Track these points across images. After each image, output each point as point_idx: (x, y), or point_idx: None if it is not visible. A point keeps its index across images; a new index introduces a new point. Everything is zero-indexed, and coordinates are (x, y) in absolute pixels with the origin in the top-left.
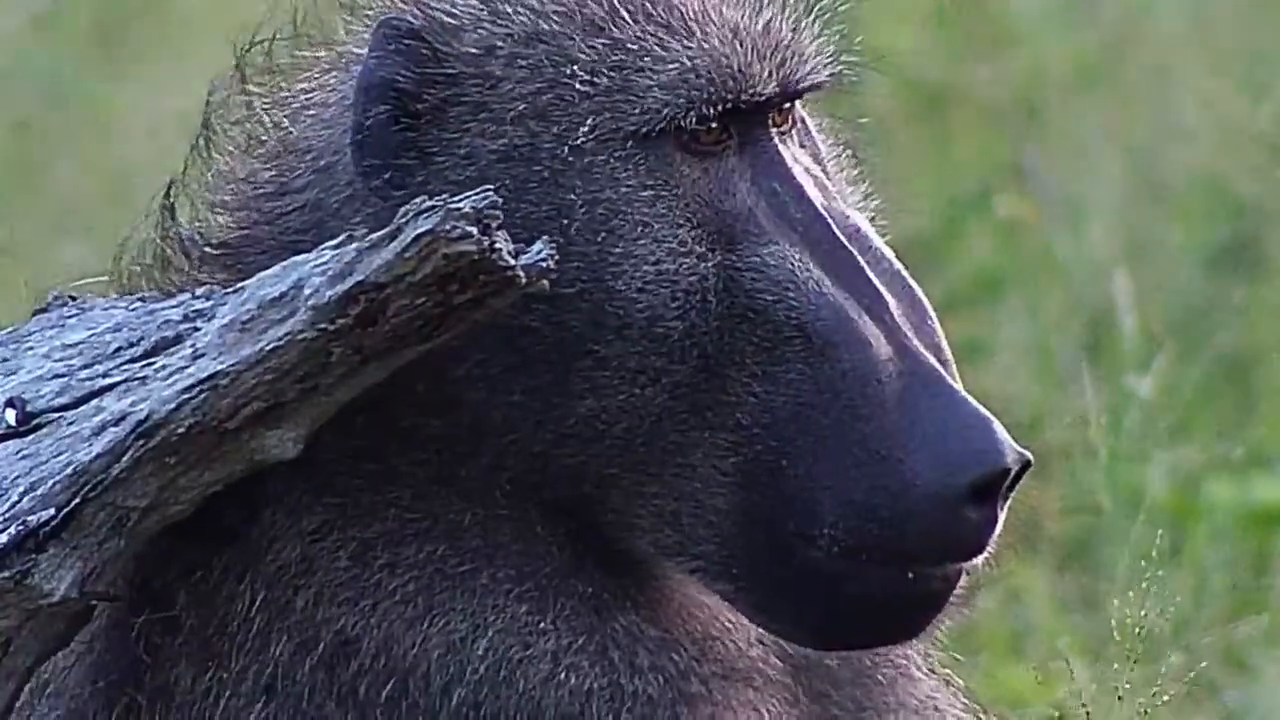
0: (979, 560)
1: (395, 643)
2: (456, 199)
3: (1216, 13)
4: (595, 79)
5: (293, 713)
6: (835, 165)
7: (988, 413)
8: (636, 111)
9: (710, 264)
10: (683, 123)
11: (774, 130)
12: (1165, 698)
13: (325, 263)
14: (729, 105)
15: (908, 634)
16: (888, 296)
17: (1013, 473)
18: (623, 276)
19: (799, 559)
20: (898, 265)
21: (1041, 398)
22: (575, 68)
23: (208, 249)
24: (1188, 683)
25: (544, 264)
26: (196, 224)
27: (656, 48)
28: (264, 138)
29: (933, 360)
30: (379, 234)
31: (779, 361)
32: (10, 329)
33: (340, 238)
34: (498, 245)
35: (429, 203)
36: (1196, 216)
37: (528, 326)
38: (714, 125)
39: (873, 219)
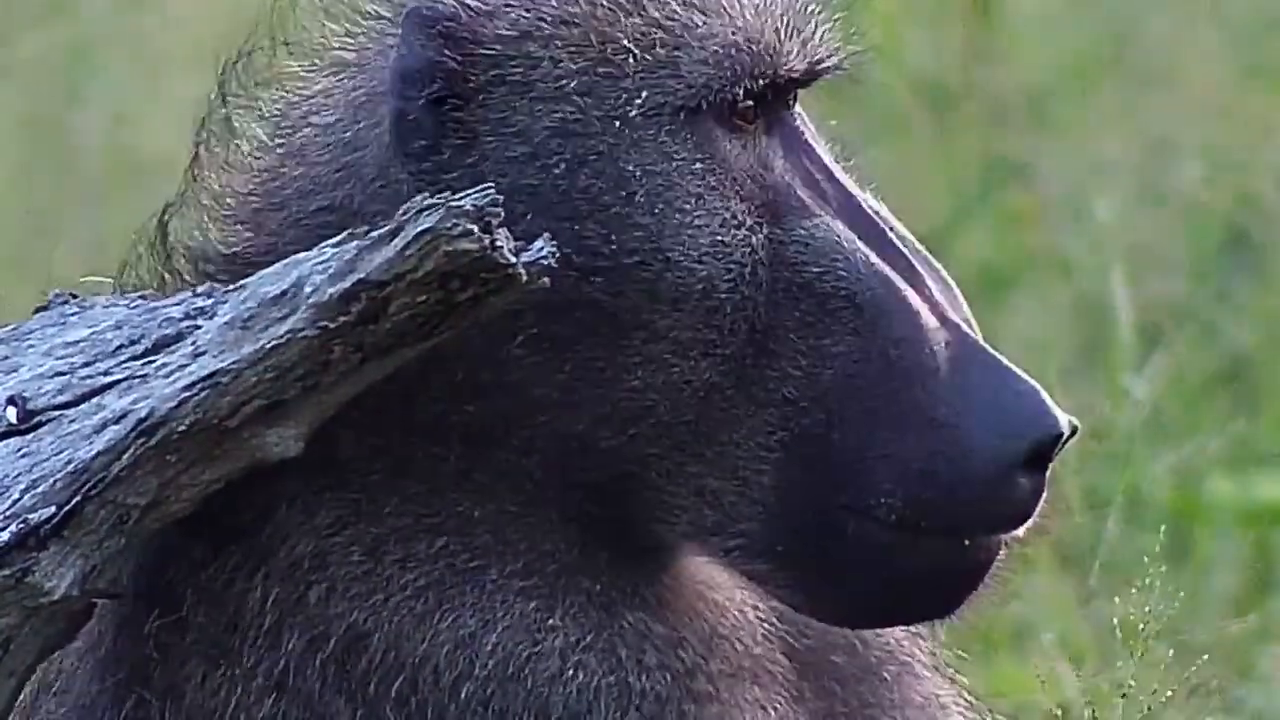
0: (1021, 531)
1: (405, 638)
2: (457, 196)
3: (1220, 11)
4: (639, 55)
5: (303, 708)
6: (836, 150)
7: (1035, 383)
8: (682, 86)
9: (760, 236)
10: (726, 96)
11: (791, 110)
12: (1168, 693)
13: (326, 260)
14: (766, 81)
15: (949, 608)
16: (922, 270)
17: (1064, 440)
18: (680, 247)
19: (852, 532)
20: (919, 245)
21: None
22: (617, 45)
23: (210, 263)
24: (1190, 681)
25: (545, 261)
26: (196, 238)
27: (694, 24)
28: (261, 149)
29: (973, 334)
30: (380, 231)
31: (826, 334)
32: (11, 326)
33: (340, 235)
34: (499, 243)
35: (430, 200)
36: (1199, 214)
37: (587, 298)
38: (749, 102)
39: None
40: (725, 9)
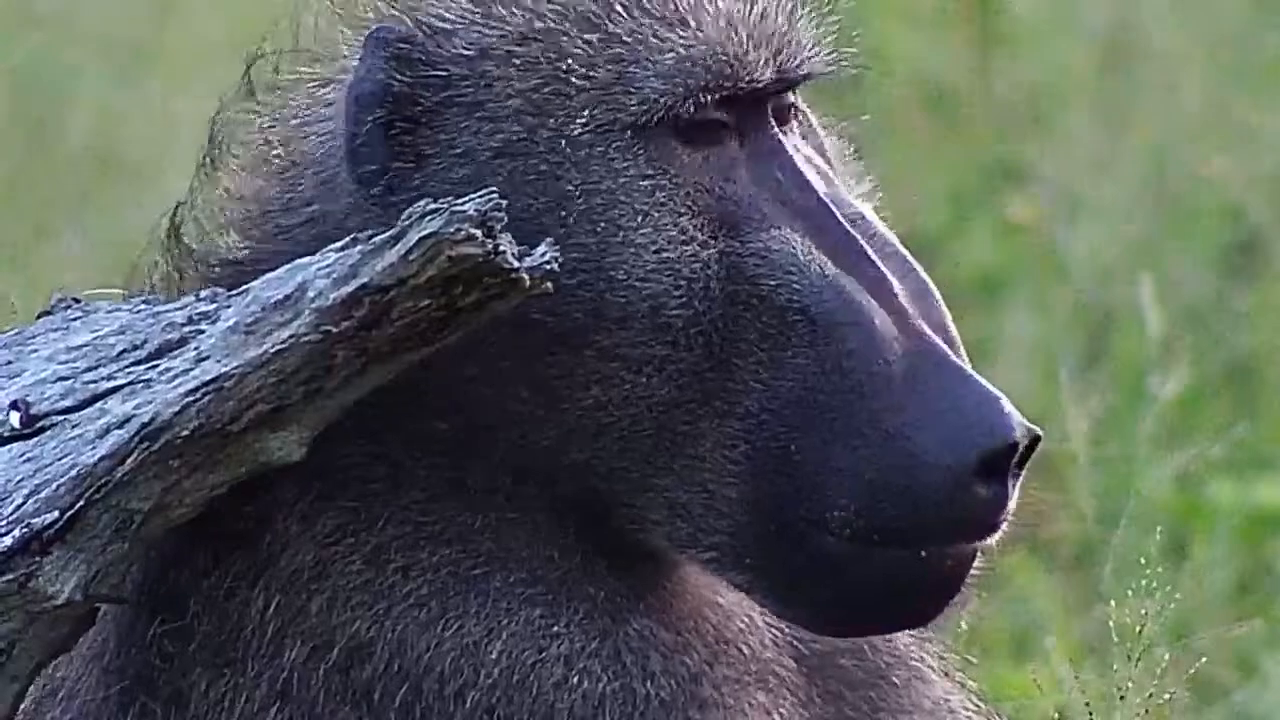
0: (991, 541)
1: (409, 647)
2: (460, 201)
3: (1222, 14)
4: (591, 72)
5: (307, 717)
6: (839, 159)
7: (995, 389)
8: (634, 103)
9: (712, 251)
10: (680, 112)
11: (773, 120)
12: (1166, 695)
13: (329, 265)
14: (726, 94)
15: (921, 619)
16: (892, 279)
17: (1021, 449)
18: (623, 265)
19: (810, 546)
20: (902, 250)
21: (1045, 398)
22: (570, 62)
23: (216, 268)
24: (1190, 684)
25: (548, 266)
26: (204, 243)
27: (652, 39)
28: (268, 155)
29: (939, 342)
30: (383, 236)
31: (785, 347)
32: (14, 331)
33: (344, 240)
34: (502, 248)
35: (433, 205)
36: (1201, 218)
37: (531, 320)
38: (713, 114)
39: (878, 211)
40: (689, 21)
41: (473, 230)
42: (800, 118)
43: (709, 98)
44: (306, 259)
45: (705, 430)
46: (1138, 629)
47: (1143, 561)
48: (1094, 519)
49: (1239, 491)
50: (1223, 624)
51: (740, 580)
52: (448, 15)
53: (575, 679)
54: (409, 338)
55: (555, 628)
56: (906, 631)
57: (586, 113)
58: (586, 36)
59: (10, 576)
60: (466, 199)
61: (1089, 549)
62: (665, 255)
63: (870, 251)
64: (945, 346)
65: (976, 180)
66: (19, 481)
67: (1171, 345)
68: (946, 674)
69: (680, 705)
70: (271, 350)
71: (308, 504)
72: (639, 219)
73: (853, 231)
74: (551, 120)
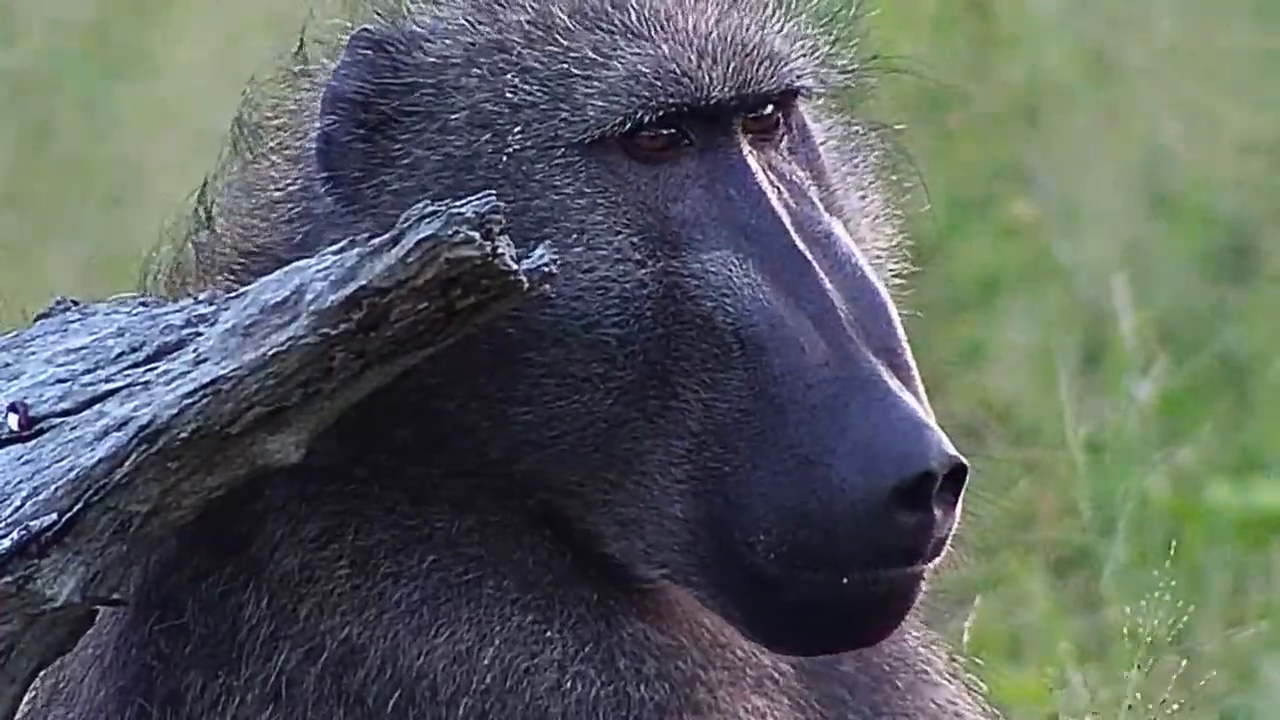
0: (931, 565)
1: (401, 653)
2: (459, 203)
3: (1215, 18)
4: (540, 88)
5: (300, 718)
6: (842, 170)
7: (923, 415)
8: (577, 120)
9: (649, 271)
10: (627, 127)
11: (744, 135)
12: (1164, 698)
13: (327, 268)
14: (675, 110)
15: (860, 640)
16: (838, 301)
17: (940, 477)
18: (557, 283)
19: (746, 566)
20: (863, 270)
21: (1041, 400)
22: (522, 77)
23: (220, 256)
24: (1191, 688)
25: (546, 268)
26: (228, 223)
27: (603, 55)
28: (273, 147)
29: (875, 364)
30: (381, 239)
31: (723, 368)
32: (13, 333)
33: (342, 242)
34: (500, 250)
35: (431, 207)
36: (1195, 221)
37: (470, 335)
38: (664, 131)
39: (881, 223)
40: (642, 37)
41: (471, 233)
42: (794, 132)
43: (654, 115)
44: (304, 261)
45: (651, 449)
46: (1141, 633)
47: (1143, 565)
48: (1091, 521)
49: (1236, 494)
50: (1222, 627)
51: (699, 596)
52: (427, 22)
53: (568, 684)
54: (407, 340)
55: (548, 632)
56: (914, 633)
57: (528, 129)
58: (538, 52)
59: (9, 578)
60: (465, 201)
61: (1085, 551)
62: (600, 274)
63: (821, 273)
64: (880, 372)
65: (974, 184)
66: (17, 484)
67: (1152, 347)
68: (955, 676)
69: (674, 709)
70: (270, 352)
71: (294, 507)
72: (574, 237)
73: (805, 253)
74: (494, 135)
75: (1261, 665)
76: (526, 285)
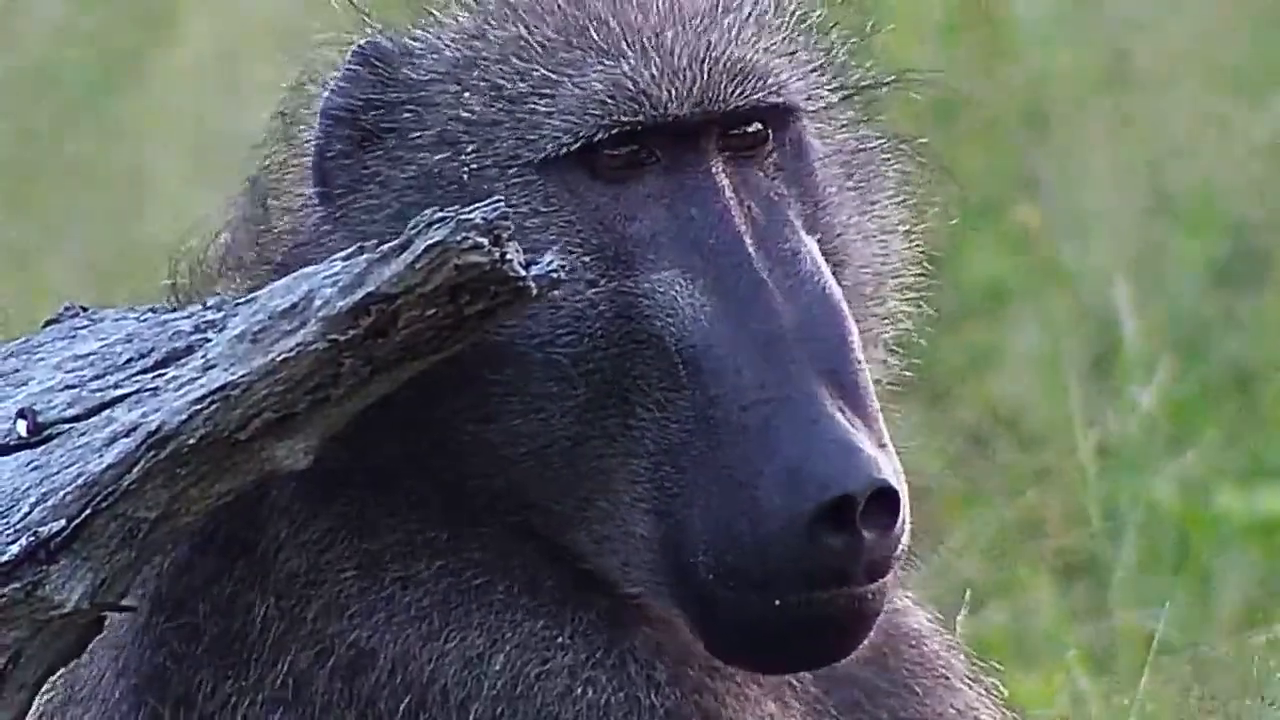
0: (875, 586)
1: (412, 658)
2: (467, 209)
3: (1220, 25)
4: (504, 106)
5: None
6: (844, 186)
7: (854, 438)
8: (534, 138)
9: (600, 291)
10: (576, 148)
11: (720, 152)
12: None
13: (336, 274)
14: (632, 128)
15: (813, 660)
16: (788, 322)
17: (861, 500)
18: None
19: (692, 586)
20: (825, 290)
21: (1049, 406)
22: (489, 95)
23: (232, 259)
24: (1198, 694)
25: (555, 275)
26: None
27: (565, 74)
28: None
29: (813, 387)
30: (390, 245)
31: (674, 388)
32: (22, 340)
33: (351, 249)
34: (509, 256)
35: (440, 213)
36: (1201, 228)
37: None
38: (627, 149)
39: (887, 238)
40: (613, 54)
41: (479, 239)
42: (787, 148)
43: (608, 134)
44: (312, 268)
45: (614, 467)
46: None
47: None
48: (1100, 527)
49: (1245, 499)
50: (1229, 633)
51: (674, 614)
52: (424, 37)
53: (579, 690)
54: (416, 346)
55: (559, 638)
56: (935, 638)
57: (489, 146)
58: (508, 69)
59: (17, 584)
60: (473, 207)
61: (1093, 558)
62: (551, 293)
63: (776, 294)
64: (817, 395)
65: (982, 190)
66: (26, 490)
67: (1159, 353)
68: (977, 681)
69: (686, 715)
70: (278, 359)
71: (298, 508)
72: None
73: (761, 273)
74: (456, 152)
75: (1271, 671)
76: (535, 291)
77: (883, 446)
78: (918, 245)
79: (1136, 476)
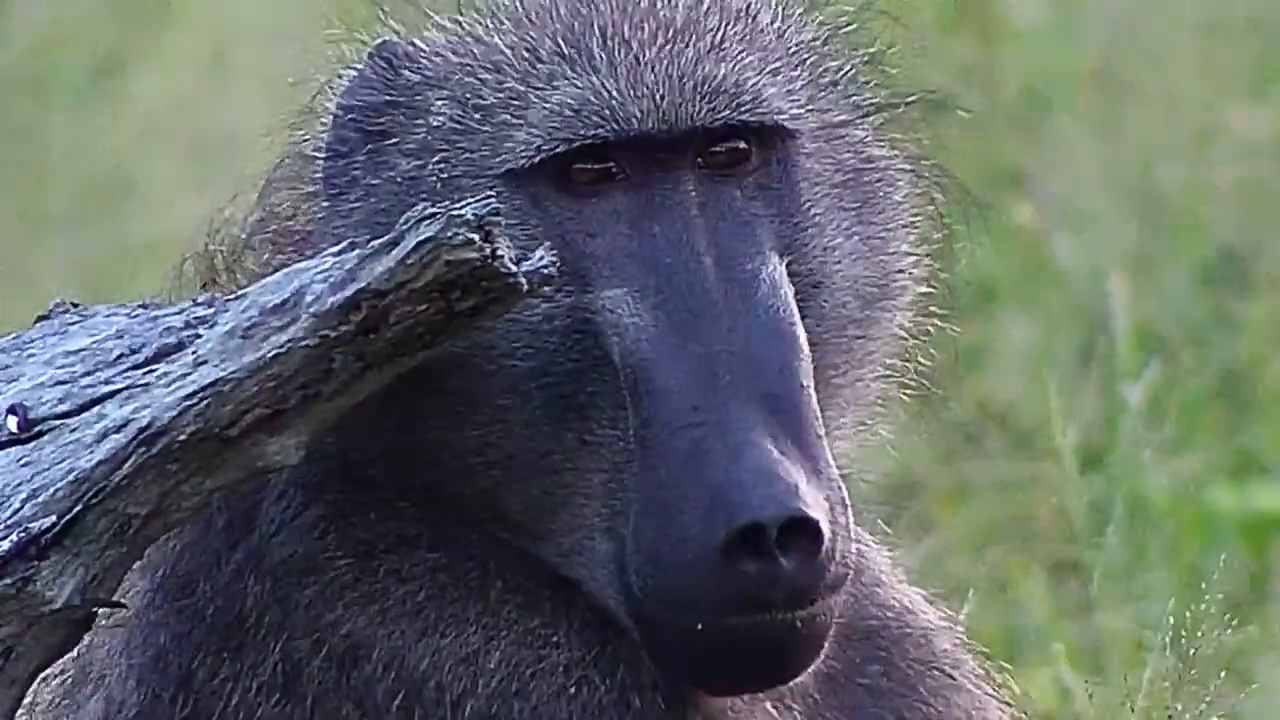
0: (804, 612)
1: (407, 652)
2: (458, 205)
3: (1214, 22)
4: (481, 116)
5: (306, 710)
6: (836, 205)
7: (775, 465)
8: (504, 150)
9: (555, 305)
10: (537, 162)
11: (695, 170)
12: (1165, 703)
13: (327, 270)
14: (597, 143)
15: (749, 684)
16: (735, 344)
17: (772, 529)
18: None
19: (634, 604)
20: (780, 314)
21: (1040, 404)
22: (469, 104)
23: (247, 249)
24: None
25: (546, 271)
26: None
27: (539, 87)
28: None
29: (746, 412)
30: (381, 241)
31: (621, 405)
32: (12, 336)
33: (342, 244)
34: (500, 252)
35: (430, 209)
36: (1193, 226)
37: None
38: (595, 164)
39: (880, 257)
40: (588, 69)
41: (470, 235)
42: (773, 167)
43: (571, 148)
44: (304, 264)
45: (573, 481)
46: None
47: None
48: (1087, 525)
49: (1235, 497)
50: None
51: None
52: (427, 40)
53: (574, 688)
54: (407, 342)
55: (555, 636)
56: (945, 636)
57: (463, 156)
58: (492, 79)
59: (8, 580)
60: (464, 203)
61: (1079, 554)
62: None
63: (725, 315)
64: (748, 420)
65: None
66: (17, 486)
67: (1150, 350)
68: (987, 681)
69: (681, 715)
70: (269, 355)
71: (292, 494)
72: None
73: (713, 293)
74: (430, 163)
75: (1260, 668)
76: (526, 287)
77: (817, 474)
78: (926, 263)
79: (1128, 474)
